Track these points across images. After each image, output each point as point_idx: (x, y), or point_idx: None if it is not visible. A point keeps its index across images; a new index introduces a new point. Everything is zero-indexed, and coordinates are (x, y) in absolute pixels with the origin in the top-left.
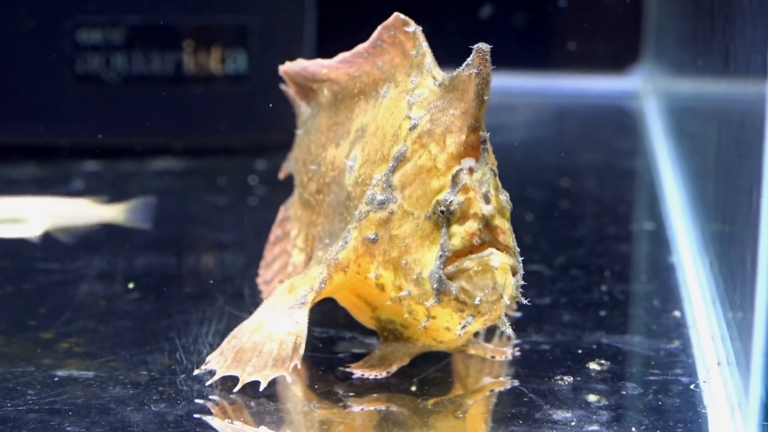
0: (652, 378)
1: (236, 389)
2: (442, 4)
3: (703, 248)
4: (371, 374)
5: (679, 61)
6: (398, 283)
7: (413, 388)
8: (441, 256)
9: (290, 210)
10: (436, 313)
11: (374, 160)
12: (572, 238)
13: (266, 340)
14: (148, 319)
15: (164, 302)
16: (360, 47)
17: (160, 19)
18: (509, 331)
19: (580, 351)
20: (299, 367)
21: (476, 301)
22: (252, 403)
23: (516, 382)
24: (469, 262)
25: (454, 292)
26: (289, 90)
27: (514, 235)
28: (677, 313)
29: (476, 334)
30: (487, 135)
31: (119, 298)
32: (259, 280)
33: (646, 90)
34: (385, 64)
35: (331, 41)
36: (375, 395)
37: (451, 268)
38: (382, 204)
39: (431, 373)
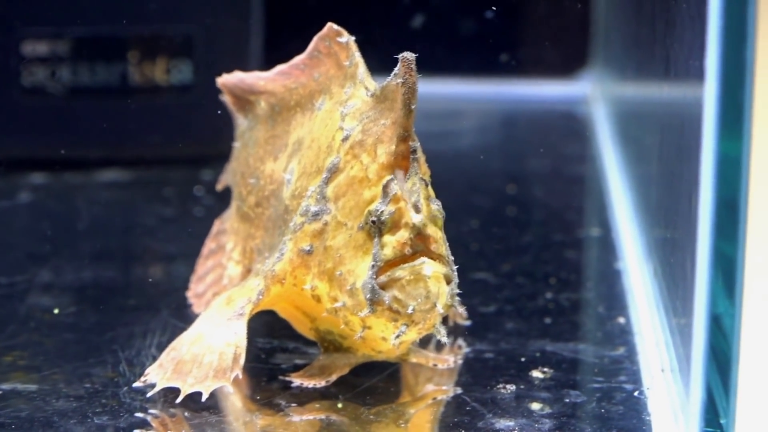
0: (596, 385)
1: (178, 400)
2: (391, 11)
3: (647, 254)
4: (310, 383)
5: (624, 67)
6: (333, 294)
7: (355, 398)
8: (373, 266)
9: (226, 223)
10: (371, 323)
11: (310, 172)
12: (518, 245)
13: (206, 351)
14: (92, 332)
15: (108, 314)
16: (297, 59)
17: (105, 30)
18: (445, 339)
19: (523, 359)
20: (240, 377)
21: (409, 311)
22: (193, 415)
23: (459, 391)
24: (401, 272)
25: (387, 301)
26: (227, 101)
27: (447, 243)
28: (622, 320)
29: (423, 344)
30: (417, 145)
31: (64, 310)
32: (190, 294)
33: (594, 95)
34: (321, 75)
35: (278, 50)
36: (317, 405)
37: (383, 278)
38: (316, 215)
39: (374, 383)
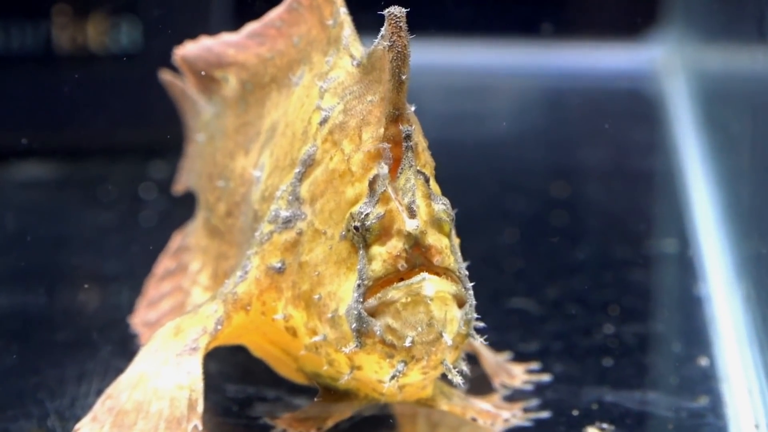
0: None
1: None
2: None
3: (738, 275)
4: (299, 431)
5: (710, 26)
6: (312, 324)
7: None
8: (359, 285)
9: (190, 238)
10: (361, 361)
11: (283, 166)
12: (569, 263)
13: (152, 397)
14: (11, 376)
15: (32, 353)
16: (273, 13)
17: None
18: (459, 380)
19: (576, 412)
20: (200, 428)
21: (407, 343)
22: None
23: None
24: (395, 293)
25: (378, 332)
26: (183, 83)
27: (459, 253)
28: (705, 362)
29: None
30: (412, 128)
31: None
32: (136, 321)
33: (668, 65)
34: (301, 39)
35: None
36: None
37: (372, 301)
38: (287, 222)
39: None
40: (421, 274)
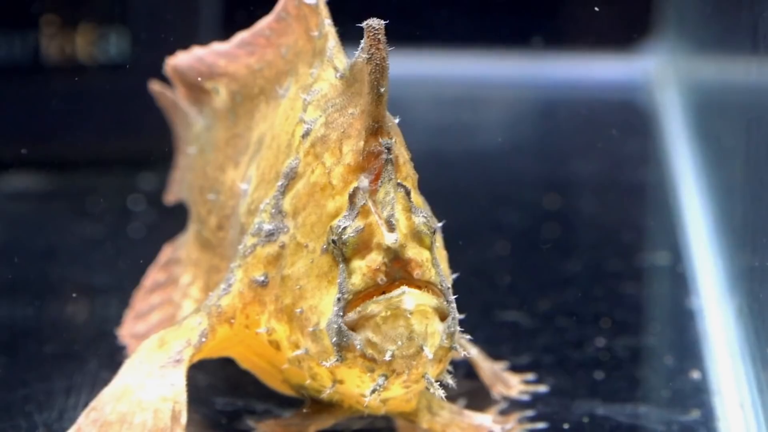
0: None
1: None
2: None
3: (730, 289)
4: None
5: (703, 38)
6: (294, 338)
7: None
8: (339, 299)
9: (181, 250)
10: (342, 375)
11: (268, 179)
12: (560, 276)
13: (135, 409)
14: None
15: (19, 366)
16: (263, 22)
17: None
18: (439, 393)
19: (567, 426)
20: None
21: (387, 357)
22: None
23: None
24: (375, 306)
25: (358, 346)
26: (173, 94)
27: (439, 267)
28: (697, 375)
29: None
30: (392, 141)
31: None
32: (123, 333)
33: (661, 76)
34: (288, 50)
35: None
36: None
37: (353, 315)
38: (270, 235)
39: None
40: (401, 287)
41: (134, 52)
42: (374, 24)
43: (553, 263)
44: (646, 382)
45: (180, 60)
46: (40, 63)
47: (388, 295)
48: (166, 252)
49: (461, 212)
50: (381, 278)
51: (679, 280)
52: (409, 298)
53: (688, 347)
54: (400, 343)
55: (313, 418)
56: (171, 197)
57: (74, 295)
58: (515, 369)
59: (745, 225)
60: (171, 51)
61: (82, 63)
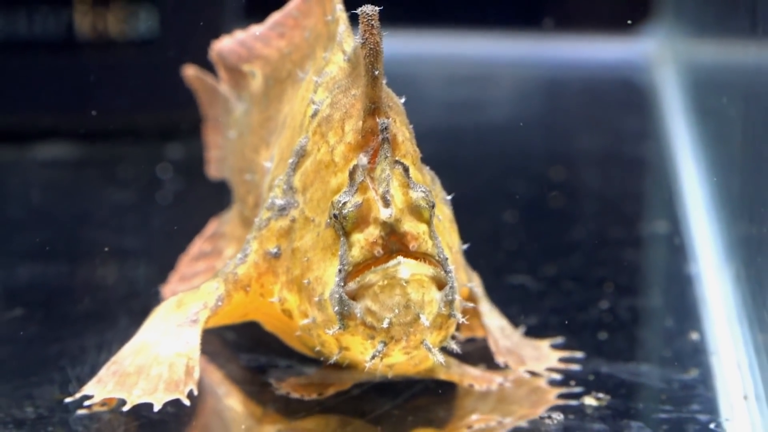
0: (662, 416)
1: (125, 408)
2: None
3: (727, 255)
4: (299, 395)
5: (701, 20)
6: (303, 308)
7: (361, 428)
8: (340, 270)
9: (226, 226)
10: (347, 342)
11: (286, 157)
12: (566, 242)
13: (152, 362)
14: (34, 344)
15: (54, 323)
16: (291, 3)
17: None
18: (439, 359)
19: (573, 382)
20: (195, 393)
21: (385, 324)
22: None
23: (493, 422)
24: (373, 276)
25: (358, 314)
26: (208, 78)
27: (438, 239)
28: (695, 336)
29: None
30: (389, 121)
31: None
32: (166, 291)
33: (660, 57)
34: (311, 33)
35: None
36: None
37: (353, 285)
38: (282, 210)
39: (387, 410)
40: (397, 258)
41: (162, 29)
42: (368, 10)
43: (558, 231)
44: (647, 343)
45: (223, 44)
46: (73, 39)
47: (384, 266)
48: (212, 225)
49: (473, 183)
50: (378, 251)
51: (678, 248)
52: (405, 268)
53: (687, 310)
54: (397, 311)
55: (332, 379)
56: (213, 173)
57: (105, 253)
58: (525, 329)
59: (741, 196)
60: (196, 28)
61: (112, 39)
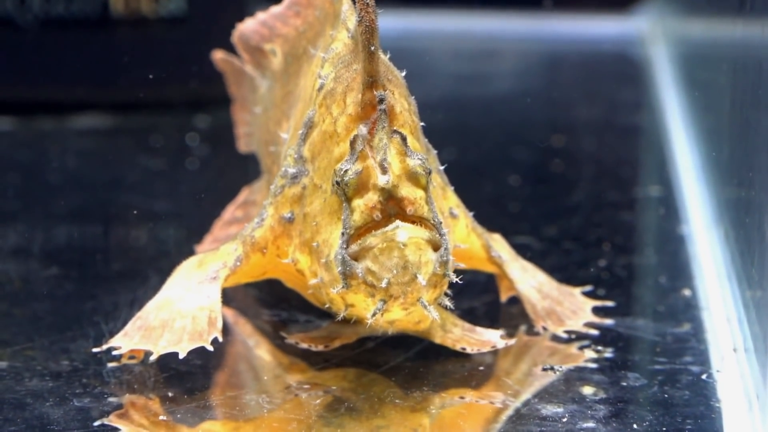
0: (657, 367)
1: (152, 358)
2: None
3: (717, 216)
4: (307, 345)
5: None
6: (313, 268)
7: (376, 380)
8: (343, 234)
9: (257, 194)
10: (352, 300)
11: (298, 128)
12: (566, 205)
13: (176, 316)
14: (70, 301)
15: (89, 281)
16: None
17: None
18: (434, 315)
19: (573, 336)
20: (221, 340)
21: (383, 284)
22: (186, 397)
23: (498, 372)
24: (373, 239)
25: (360, 274)
26: (239, 61)
27: (434, 204)
28: (687, 292)
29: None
30: (386, 94)
31: (37, 276)
32: (200, 250)
33: (653, 33)
34: (321, 12)
35: None
36: (326, 386)
37: (354, 248)
38: (294, 178)
39: (400, 362)
40: (396, 222)
41: (190, 8)
42: None
43: (558, 194)
44: (642, 299)
45: (245, 26)
46: (108, 16)
47: (383, 229)
48: (244, 193)
49: (478, 149)
50: (377, 215)
51: (671, 210)
52: (403, 231)
53: (679, 268)
54: (395, 271)
55: (338, 333)
56: (243, 148)
57: (137, 215)
58: None
59: (730, 161)
60: (222, 6)
61: (144, 17)
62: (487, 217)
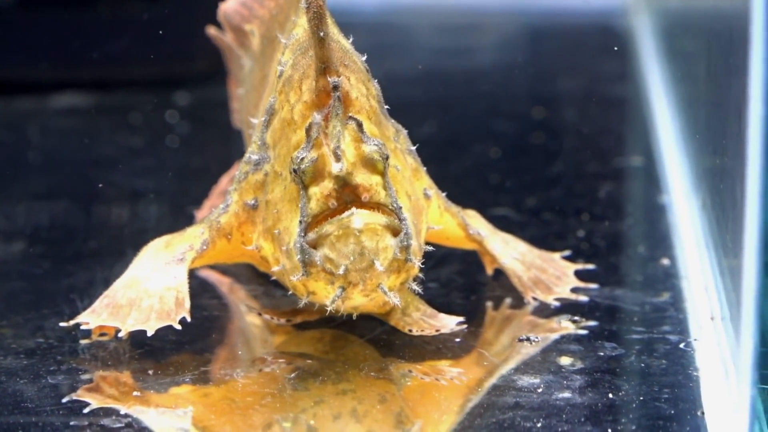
0: (635, 336)
1: (121, 335)
2: None
3: (696, 186)
4: (272, 318)
5: None
6: (276, 255)
7: (353, 355)
8: (301, 222)
9: None
10: (313, 287)
11: (263, 115)
12: (546, 176)
13: (143, 296)
14: (46, 279)
15: (65, 259)
16: None
17: None
18: (395, 301)
19: (551, 307)
20: (189, 319)
21: (341, 271)
22: (160, 373)
23: (475, 343)
24: (329, 227)
25: (318, 262)
26: (225, 38)
27: (392, 189)
28: (666, 262)
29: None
30: (339, 80)
31: (12, 254)
32: (199, 215)
33: (635, 5)
34: None
35: None
36: (309, 361)
37: (312, 235)
38: (257, 164)
39: (377, 334)
40: (351, 209)
41: None
42: None
43: (539, 166)
44: (621, 268)
45: (228, 5)
46: None
47: (339, 217)
48: (236, 166)
49: (459, 122)
50: (332, 202)
51: (651, 180)
52: (358, 218)
53: (658, 237)
54: (352, 258)
55: (301, 312)
56: (236, 123)
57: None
58: None
59: (707, 130)
60: None
61: None
62: (468, 189)
